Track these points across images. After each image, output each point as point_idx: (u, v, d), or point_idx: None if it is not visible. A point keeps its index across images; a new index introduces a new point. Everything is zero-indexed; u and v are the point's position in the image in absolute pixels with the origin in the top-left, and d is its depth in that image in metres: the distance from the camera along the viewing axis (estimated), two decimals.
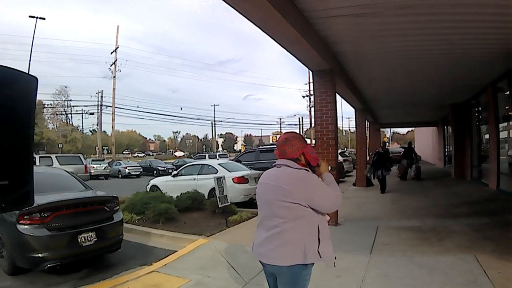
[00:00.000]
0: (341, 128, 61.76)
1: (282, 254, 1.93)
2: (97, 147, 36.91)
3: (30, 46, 24.44)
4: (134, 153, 74.88)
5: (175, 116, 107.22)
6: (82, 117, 48.32)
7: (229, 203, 6.97)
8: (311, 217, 1.95)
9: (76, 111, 47.11)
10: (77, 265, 4.43)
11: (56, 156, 17.88)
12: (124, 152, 70.91)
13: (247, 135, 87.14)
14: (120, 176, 24.42)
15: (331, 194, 1.99)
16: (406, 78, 9.00)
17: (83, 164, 18.02)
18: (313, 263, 1.99)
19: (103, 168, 24.00)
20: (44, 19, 25.36)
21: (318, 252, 1.93)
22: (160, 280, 3.90)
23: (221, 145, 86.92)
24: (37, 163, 15.28)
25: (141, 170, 25.56)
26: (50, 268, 3.96)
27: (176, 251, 4.95)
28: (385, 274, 3.77)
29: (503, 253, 4.11)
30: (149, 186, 10.66)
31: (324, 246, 1.96)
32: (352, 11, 4.61)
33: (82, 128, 53.25)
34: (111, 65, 32.37)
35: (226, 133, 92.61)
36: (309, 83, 36.86)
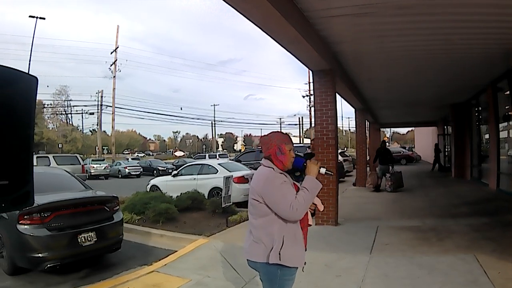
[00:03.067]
0: (341, 128, 61.77)
1: (254, 250, 2.00)
2: (97, 147, 36.91)
3: (30, 46, 24.46)
4: (134, 153, 74.86)
5: (175, 116, 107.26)
6: (82, 117, 48.32)
7: (231, 203, 6.98)
8: (276, 217, 1.95)
9: (76, 111, 47.13)
10: (77, 265, 4.42)
11: (53, 156, 17.92)
12: (124, 152, 70.89)
13: (247, 135, 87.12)
14: (120, 176, 24.43)
15: (285, 201, 1.90)
16: (406, 78, 9.00)
17: (80, 164, 18.08)
18: (297, 267, 2.00)
19: (103, 168, 24.03)
20: (44, 19, 25.41)
21: (279, 254, 1.91)
22: (160, 280, 3.90)
23: (221, 145, 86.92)
24: (35, 163, 15.27)
25: (141, 170, 25.59)
26: (50, 268, 3.96)
27: (176, 251, 4.94)
28: (385, 274, 3.76)
29: (503, 253, 4.11)
30: (149, 186, 10.66)
31: (289, 249, 1.93)
32: (352, 11, 4.61)
33: (82, 128, 53.33)
34: (111, 65, 32.38)
35: (226, 133, 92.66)
36: (309, 83, 36.86)
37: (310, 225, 2.16)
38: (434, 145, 19.10)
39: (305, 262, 2.06)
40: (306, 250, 2.11)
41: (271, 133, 2.17)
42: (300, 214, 1.92)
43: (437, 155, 18.15)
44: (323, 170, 2.07)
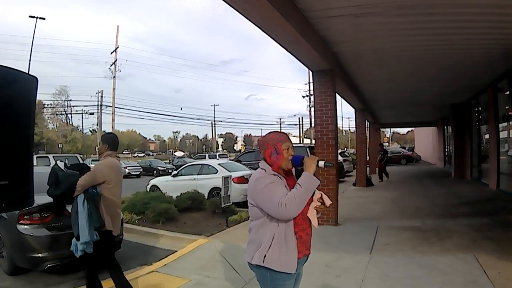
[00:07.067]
0: (341, 128, 61.77)
1: (248, 251, 2.01)
2: (97, 147, 36.88)
3: (30, 46, 24.50)
4: (134, 153, 74.89)
5: (175, 116, 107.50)
6: (82, 117, 48.35)
7: (231, 203, 6.98)
8: (269, 220, 1.92)
9: (76, 111, 47.17)
10: (77, 265, 4.42)
11: (53, 156, 17.88)
12: (124, 152, 70.88)
13: (247, 135, 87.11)
14: None
15: (274, 198, 1.83)
16: (406, 78, 9.00)
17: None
18: (288, 273, 1.91)
19: None
20: (44, 19, 25.42)
21: (264, 256, 1.89)
22: (160, 280, 3.90)
23: (221, 145, 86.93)
24: (35, 163, 15.26)
25: (141, 170, 25.57)
26: (50, 268, 3.96)
27: (176, 251, 4.95)
28: (385, 274, 3.76)
29: (503, 253, 4.11)
30: (149, 186, 10.65)
31: (276, 253, 1.88)
32: (352, 11, 4.61)
33: (82, 128, 53.31)
34: (111, 65, 32.36)
35: (226, 133, 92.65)
36: (309, 83, 36.84)
37: (315, 227, 2.09)
38: (378, 145, 15.47)
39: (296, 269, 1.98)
40: (309, 253, 2.06)
41: (266, 134, 2.11)
42: (291, 211, 1.82)
43: (384, 159, 14.23)
44: (321, 163, 1.98)
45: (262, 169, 2.00)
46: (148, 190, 10.17)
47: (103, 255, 3.15)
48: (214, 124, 57.65)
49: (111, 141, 3.32)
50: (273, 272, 1.91)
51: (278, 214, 1.84)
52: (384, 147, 14.93)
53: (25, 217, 3.94)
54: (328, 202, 2.07)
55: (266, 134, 2.12)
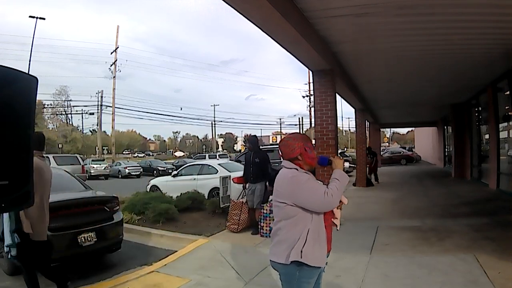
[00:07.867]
0: (341, 128, 61.76)
1: (276, 251, 2.02)
2: (97, 147, 36.94)
3: (30, 46, 24.54)
4: (134, 153, 74.90)
5: (175, 116, 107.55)
6: (82, 117, 48.38)
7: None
8: (302, 217, 1.97)
9: (76, 111, 47.19)
10: (77, 265, 4.42)
11: (53, 156, 17.87)
12: (124, 152, 70.87)
13: (247, 135, 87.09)
14: (120, 176, 24.44)
15: (318, 191, 1.94)
16: (406, 78, 9.00)
17: (80, 164, 18.07)
18: (318, 267, 2.00)
19: (103, 168, 24.04)
20: (44, 19, 25.50)
21: (301, 252, 1.92)
22: (160, 280, 3.91)
23: (221, 145, 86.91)
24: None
25: (141, 170, 25.60)
26: None
27: (176, 251, 4.95)
28: (385, 274, 3.77)
29: (503, 253, 4.11)
30: (149, 186, 10.66)
31: (310, 248, 1.94)
32: (352, 11, 4.61)
33: (82, 128, 53.26)
34: (111, 65, 32.46)
35: (226, 133, 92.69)
36: (309, 83, 36.89)
37: (337, 229, 2.20)
38: (366, 148, 13.46)
39: (326, 263, 2.10)
40: (330, 250, 2.16)
41: (291, 135, 2.18)
42: (335, 201, 1.96)
43: (374, 161, 13.22)
44: (347, 165, 2.19)
45: (292, 168, 2.04)
46: (148, 190, 10.17)
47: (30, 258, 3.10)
48: (214, 124, 57.74)
49: (36, 140, 3.09)
50: (303, 269, 1.95)
51: (323, 204, 1.95)
52: (373, 150, 13.97)
53: None
54: (345, 200, 2.21)
55: (290, 136, 2.17)
